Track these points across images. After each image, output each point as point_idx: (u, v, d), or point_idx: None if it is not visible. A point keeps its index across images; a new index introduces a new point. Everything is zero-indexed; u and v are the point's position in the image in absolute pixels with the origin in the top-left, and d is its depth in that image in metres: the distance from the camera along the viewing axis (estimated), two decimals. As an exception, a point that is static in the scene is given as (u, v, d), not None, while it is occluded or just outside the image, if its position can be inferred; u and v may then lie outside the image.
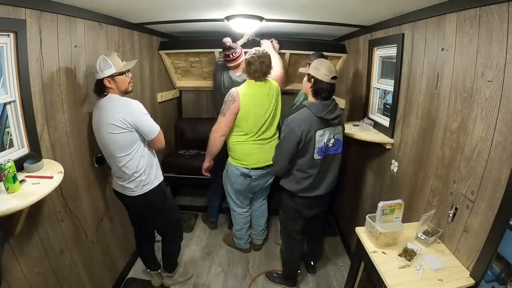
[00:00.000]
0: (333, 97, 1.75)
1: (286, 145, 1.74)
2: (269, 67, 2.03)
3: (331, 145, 1.76)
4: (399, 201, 1.40)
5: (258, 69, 1.98)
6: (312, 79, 1.70)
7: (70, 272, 1.65)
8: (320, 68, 1.67)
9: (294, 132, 1.67)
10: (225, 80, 2.46)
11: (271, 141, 2.16)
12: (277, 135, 2.18)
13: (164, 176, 1.86)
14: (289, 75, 3.30)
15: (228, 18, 2.04)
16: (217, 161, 2.35)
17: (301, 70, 1.82)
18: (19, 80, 1.29)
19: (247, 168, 2.13)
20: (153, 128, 1.62)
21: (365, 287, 1.55)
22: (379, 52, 2.19)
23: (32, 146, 1.37)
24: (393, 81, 1.92)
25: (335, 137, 1.77)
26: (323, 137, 1.73)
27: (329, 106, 1.70)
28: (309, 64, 1.79)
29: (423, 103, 1.59)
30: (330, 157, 1.81)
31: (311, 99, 1.76)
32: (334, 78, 1.67)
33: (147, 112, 1.60)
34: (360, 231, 1.50)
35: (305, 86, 1.78)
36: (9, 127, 1.34)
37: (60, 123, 1.56)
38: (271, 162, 1.97)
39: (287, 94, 3.65)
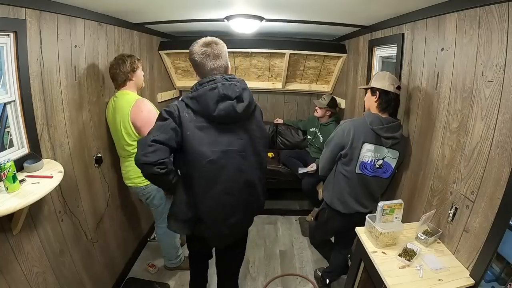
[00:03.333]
0: (389, 116, 1.64)
1: (331, 143, 1.73)
2: None
3: (377, 166, 1.66)
4: (399, 201, 1.40)
5: None
6: (378, 91, 1.63)
7: (70, 272, 1.64)
8: (385, 79, 1.63)
9: (341, 134, 1.67)
10: None
11: None
12: None
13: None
14: (289, 75, 3.30)
15: (228, 18, 2.04)
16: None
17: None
18: (19, 80, 1.29)
19: None
20: None
21: (365, 287, 1.55)
22: (379, 52, 2.19)
23: (32, 146, 1.37)
24: (393, 81, 1.92)
25: (384, 159, 1.65)
26: (371, 154, 1.63)
27: (388, 123, 1.60)
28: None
29: (423, 103, 1.59)
30: (371, 179, 1.69)
31: (374, 111, 1.68)
32: (399, 88, 1.63)
33: None
34: (360, 231, 1.50)
35: (370, 101, 1.69)
36: (9, 127, 1.34)
37: (60, 123, 1.56)
38: None
39: (286, 94, 3.67)
